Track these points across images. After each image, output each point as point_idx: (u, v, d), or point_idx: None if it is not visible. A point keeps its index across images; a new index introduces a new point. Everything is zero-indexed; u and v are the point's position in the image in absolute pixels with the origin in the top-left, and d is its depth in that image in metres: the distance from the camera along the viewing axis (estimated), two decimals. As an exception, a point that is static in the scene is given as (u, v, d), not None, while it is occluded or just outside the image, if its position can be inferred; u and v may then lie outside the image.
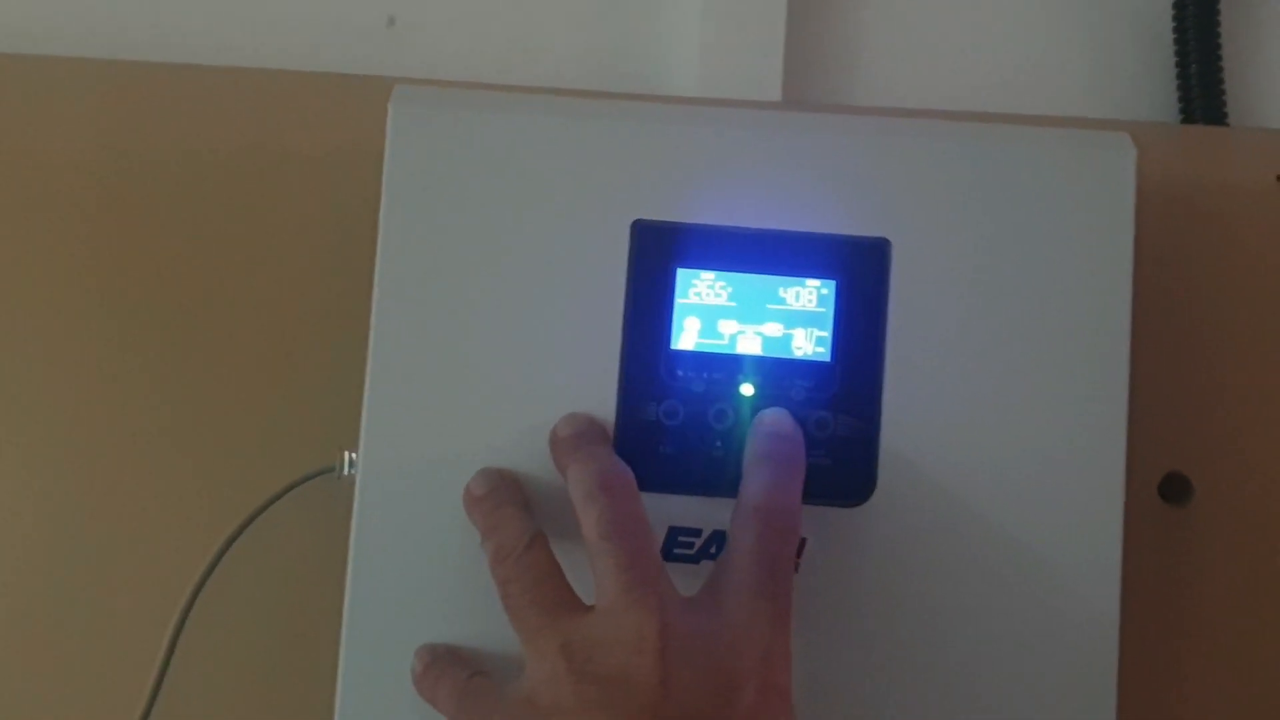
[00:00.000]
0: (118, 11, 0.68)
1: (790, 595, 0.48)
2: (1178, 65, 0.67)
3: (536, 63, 0.68)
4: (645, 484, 0.50)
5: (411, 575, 0.53)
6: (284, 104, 0.64)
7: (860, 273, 0.53)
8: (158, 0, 0.68)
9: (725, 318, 0.53)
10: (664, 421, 0.52)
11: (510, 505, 0.51)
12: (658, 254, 0.53)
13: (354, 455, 0.53)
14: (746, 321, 0.53)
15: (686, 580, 0.49)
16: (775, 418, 0.52)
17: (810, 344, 0.53)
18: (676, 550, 0.53)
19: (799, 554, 0.52)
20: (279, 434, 0.60)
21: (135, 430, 0.61)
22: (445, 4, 0.69)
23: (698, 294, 0.53)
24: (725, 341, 0.53)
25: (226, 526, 0.56)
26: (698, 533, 0.53)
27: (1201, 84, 0.66)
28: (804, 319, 0.53)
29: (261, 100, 0.64)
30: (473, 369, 0.53)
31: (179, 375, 0.61)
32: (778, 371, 0.53)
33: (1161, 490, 0.61)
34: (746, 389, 0.52)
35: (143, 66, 0.65)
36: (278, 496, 0.55)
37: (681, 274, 0.53)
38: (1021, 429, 0.53)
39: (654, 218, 0.53)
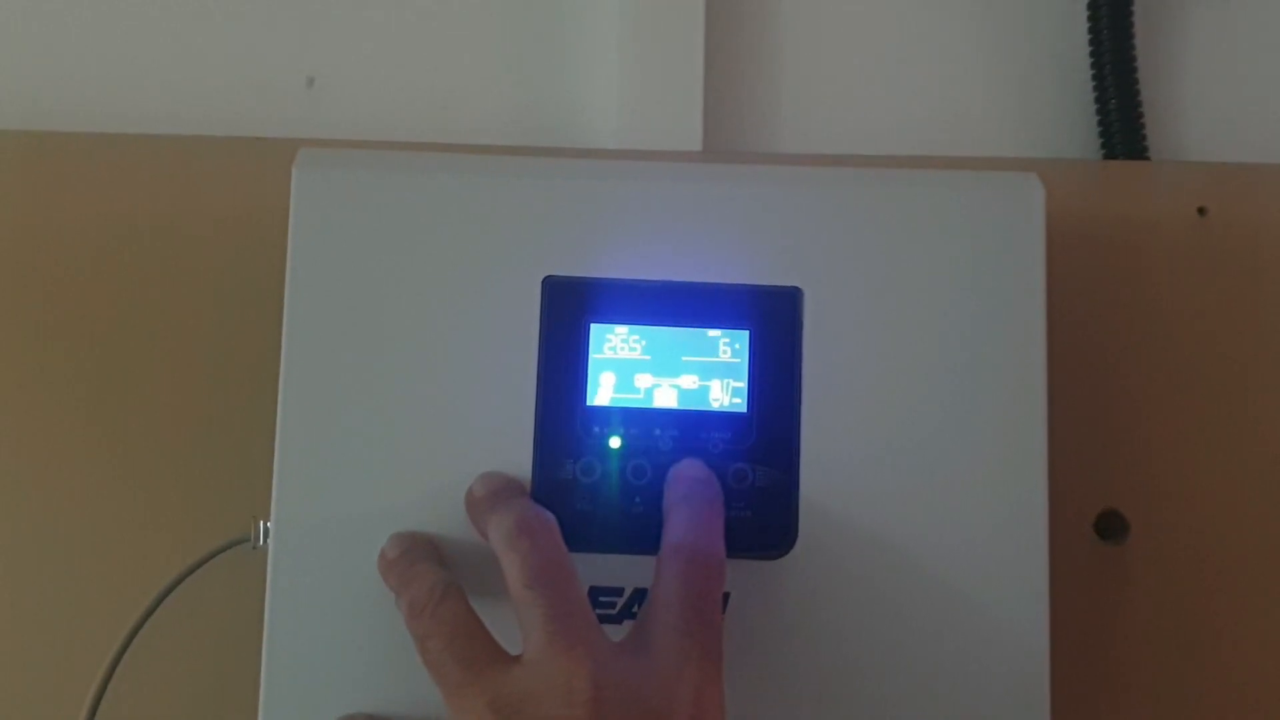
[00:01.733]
0: (34, 82, 0.67)
1: (719, 633, 0.47)
2: (1097, 101, 0.67)
3: (457, 120, 0.68)
4: (564, 543, 0.49)
5: (328, 643, 0.52)
6: (201, 170, 0.64)
7: (773, 322, 0.53)
8: (78, 71, 0.68)
9: (641, 371, 0.52)
10: (581, 479, 0.52)
11: (424, 562, 0.50)
12: (570, 310, 0.53)
13: (268, 524, 0.52)
14: (662, 375, 0.52)
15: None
16: (690, 464, 0.51)
17: (726, 395, 0.52)
18: (598, 610, 0.52)
19: (722, 608, 0.51)
20: (196, 504, 0.60)
21: (42, 505, 0.60)
22: (365, 63, 0.68)
23: (612, 349, 0.52)
24: (641, 396, 0.52)
25: (142, 602, 0.54)
26: (619, 591, 0.52)
27: (1121, 119, 0.66)
28: (719, 370, 0.52)
29: (178, 167, 0.64)
30: (384, 431, 0.52)
31: (91, 445, 0.61)
32: (695, 424, 0.52)
33: (1097, 528, 0.61)
34: (664, 443, 0.52)
35: (60, 137, 0.64)
36: (191, 570, 0.54)
37: (595, 329, 0.53)
38: (941, 473, 0.52)
39: (565, 273, 0.53)
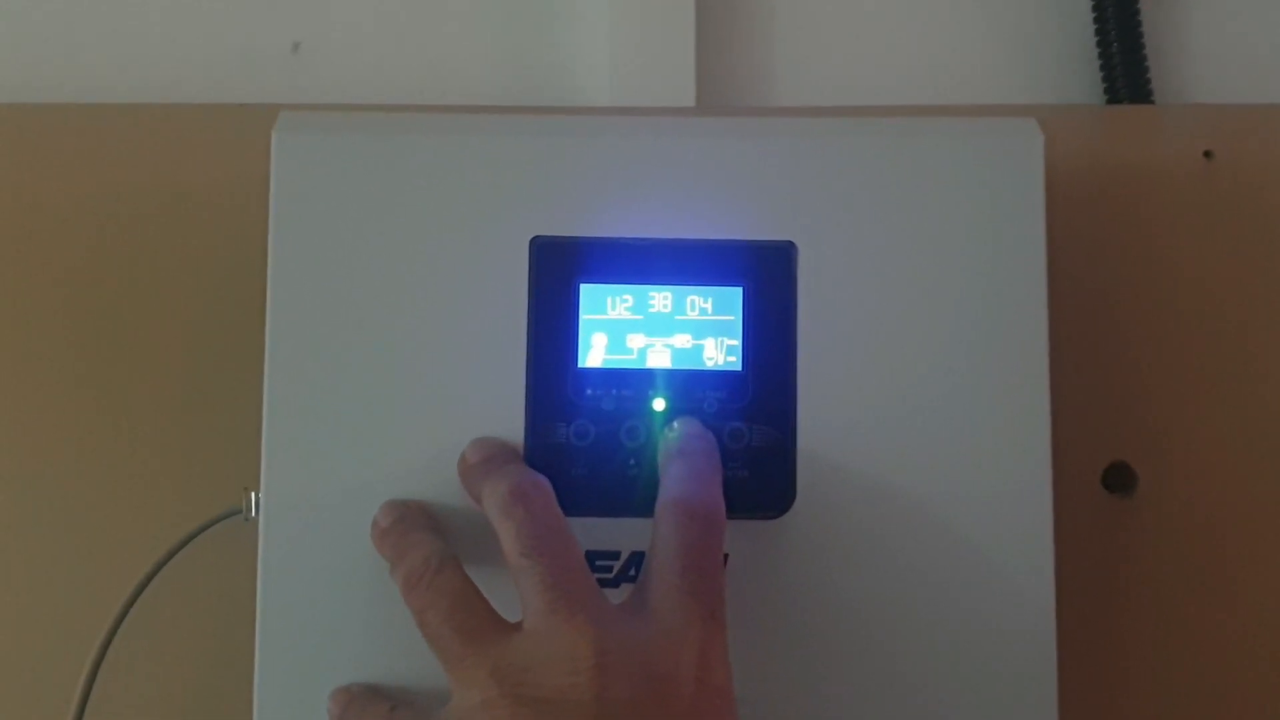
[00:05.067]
0: (8, 54, 0.66)
1: (722, 589, 0.46)
2: (1099, 45, 0.66)
3: (447, 81, 0.67)
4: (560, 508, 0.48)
5: (322, 615, 0.51)
6: (186, 139, 0.63)
7: (767, 278, 0.52)
8: (56, 41, 0.67)
9: (633, 332, 0.51)
10: (575, 442, 0.51)
11: (418, 531, 0.49)
12: (559, 270, 0.52)
13: (259, 495, 0.51)
14: (655, 334, 0.51)
15: (607, 605, 0.47)
16: (684, 421, 0.50)
17: (721, 354, 0.51)
18: (595, 575, 0.50)
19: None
20: (187, 477, 0.59)
21: (31, 481, 0.60)
22: (351, 27, 0.67)
23: (603, 309, 0.51)
24: (634, 356, 0.51)
25: (135, 575, 0.54)
26: (616, 555, 0.51)
27: (1124, 63, 0.65)
28: (713, 328, 0.51)
29: (162, 137, 0.63)
30: (374, 398, 0.51)
31: (80, 419, 0.60)
32: (689, 384, 0.51)
33: (1105, 480, 0.60)
34: (658, 404, 0.51)
35: (39, 109, 0.63)
36: (182, 544, 0.53)
37: (585, 289, 0.52)
38: (942, 428, 0.51)
39: (554, 232, 0.52)
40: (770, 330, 0.51)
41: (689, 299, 0.51)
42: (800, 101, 0.67)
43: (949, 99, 0.66)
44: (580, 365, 0.51)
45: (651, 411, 0.51)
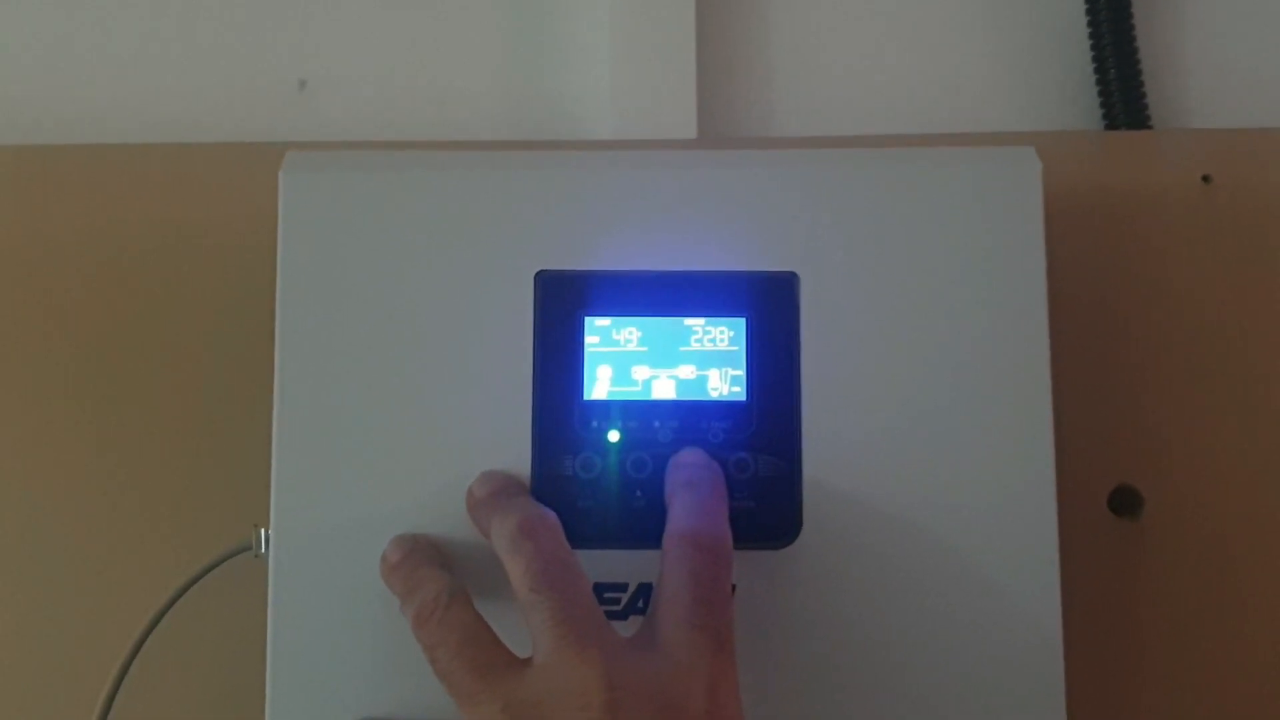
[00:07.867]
0: (19, 95, 0.67)
1: (731, 621, 0.46)
2: (1096, 72, 0.66)
3: (452, 116, 0.68)
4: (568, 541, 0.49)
5: (333, 650, 0.51)
6: (195, 178, 0.63)
7: (770, 309, 0.52)
8: (67, 82, 0.67)
9: (637, 364, 0.52)
10: (581, 475, 0.51)
11: (427, 566, 0.49)
12: (563, 303, 0.52)
13: (269, 531, 0.52)
14: (659, 366, 0.52)
15: (616, 636, 0.47)
16: (689, 451, 0.51)
17: (725, 384, 0.52)
18: (603, 607, 0.50)
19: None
20: (197, 514, 0.59)
21: (41, 519, 0.60)
22: (356, 64, 0.68)
23: (607, 341, 0.52)
24: (639, 388, 0.52)
25: (146, 613, 0.54)
26: (624, 587, 0.51)
27: (1122, 89, 0.65)
28: (717, 359, 0.52)
29: (172, 176, 0.63)
30: (382, 433, 0.52)
31: (90, 455, 0.60)
32: (694, 414, 0.51)
33: (1111, 503, 0.60)
34: (664, 435, 0.51)
35: (50, 150, 0.64)
36: (192, 581, 0.53)
37: (589, 322, 0.52)
38: (947, 455, 0.52)
39: (558, 266, 0.52)
40: (774, 360, 0.52)
41: (693, 330, 0.52)
42: (800, 131, 0.68)
43: (948, 127, 0.67)
44: (586, 398, 0.52)
45: (657, 443, 0.51)
